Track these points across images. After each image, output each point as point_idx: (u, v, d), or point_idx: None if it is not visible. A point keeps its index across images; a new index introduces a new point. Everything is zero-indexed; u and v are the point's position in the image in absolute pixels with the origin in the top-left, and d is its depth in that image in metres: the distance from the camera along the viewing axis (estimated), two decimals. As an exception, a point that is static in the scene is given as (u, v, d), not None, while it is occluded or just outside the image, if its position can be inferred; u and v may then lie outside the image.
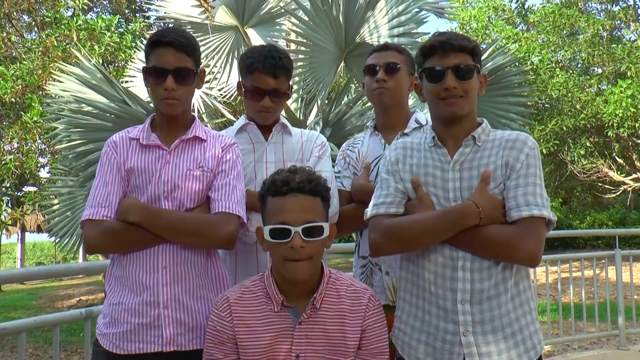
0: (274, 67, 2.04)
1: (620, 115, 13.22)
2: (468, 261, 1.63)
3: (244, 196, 1.90)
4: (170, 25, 6.27)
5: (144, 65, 1.89)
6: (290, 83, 2.17)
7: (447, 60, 1.68)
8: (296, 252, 1.59)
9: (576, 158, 15.76)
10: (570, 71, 16.25)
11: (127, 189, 1.85)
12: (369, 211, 1.78)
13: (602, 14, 17.36)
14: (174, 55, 1.82)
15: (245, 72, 2.09)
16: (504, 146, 1.69)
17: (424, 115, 2.32)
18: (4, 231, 17.54)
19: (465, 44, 1.69)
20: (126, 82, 6.64)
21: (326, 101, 5.37)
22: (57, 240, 6.51)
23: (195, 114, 3.60)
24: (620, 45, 14.86)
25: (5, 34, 11.79)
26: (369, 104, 5.17)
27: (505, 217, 1.63)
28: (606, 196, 17.49)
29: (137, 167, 1.85)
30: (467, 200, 1.64)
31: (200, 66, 1.95)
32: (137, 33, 10.52)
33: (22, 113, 9.89)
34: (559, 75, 14.72)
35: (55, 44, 9.62)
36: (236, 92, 6.29)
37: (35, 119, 9.37)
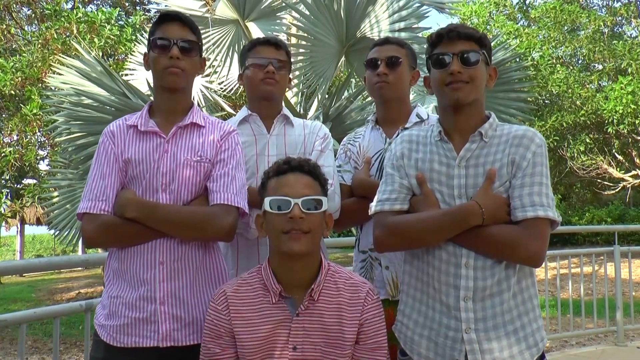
0: (274, 39, 2.20)
1: (621, 111, 13.21)
2: (471, 259, 1.62)
3: (244, 185, 1.88)
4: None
5: (148, 42, 1.91)
6: (291, 76, 2.23)
7: (453, 47, 1.67)
8: (295, 223, 1.60)
9: (576, 154, 15.75)
10: (571, 67, 16.23)
11: (125, 179, 1.84)
12: (374, 206, 1.77)
13: (603, 10, 17.30)
14: (180, 28, 1.87)
15: (247, 52, 2.20)
16: (510, 143, 1.66)
17: (425, 109, 2.32)
18: (3, 223, 17.56)
19: (472, 32, 1.69)
20: (126, 75, 6.63)
21: (326, 95, 5.36)
22: (56, 233, 6.51)
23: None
24: (621, 42, 14.81)
25: (4, 26, 11.78)
26: (369, 98, 5.16)
27: (510, 215, 1.62)
28: (605, 193, 17.49)
29: (134, 158, 1.82)
30: (471, 199, 1.63)
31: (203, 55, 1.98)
32: (137, 26, 10.49)
33: (22, 105, 9.89)
34: (560, 71, 14.70)
35: (55, 37, 9.60)
36: (236, 86, 6.32)
37: (35, 111, 9.36)
